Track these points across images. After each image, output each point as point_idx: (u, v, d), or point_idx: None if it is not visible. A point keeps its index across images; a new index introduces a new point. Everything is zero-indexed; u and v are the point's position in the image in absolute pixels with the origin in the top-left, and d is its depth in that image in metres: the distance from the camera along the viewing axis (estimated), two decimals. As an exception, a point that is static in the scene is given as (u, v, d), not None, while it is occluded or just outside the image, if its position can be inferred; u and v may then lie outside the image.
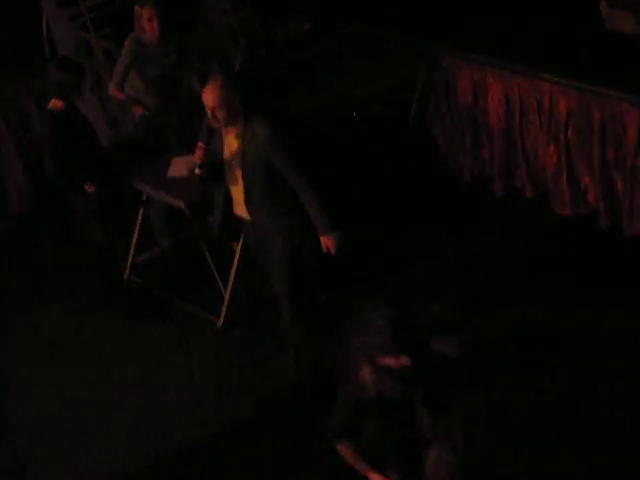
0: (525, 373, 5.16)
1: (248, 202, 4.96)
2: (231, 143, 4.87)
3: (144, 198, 6.24)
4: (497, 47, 6.16)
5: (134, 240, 6.39)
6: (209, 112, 4.72)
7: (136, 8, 6.19)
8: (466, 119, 6.52)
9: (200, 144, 4.86)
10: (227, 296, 5.94)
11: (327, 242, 4.96)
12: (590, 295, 5.59)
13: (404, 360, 3.57)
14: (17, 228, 7.18)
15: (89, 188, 5.64)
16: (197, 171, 4.89)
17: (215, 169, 4.96)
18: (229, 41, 6.91)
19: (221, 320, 5.97)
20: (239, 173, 4.88)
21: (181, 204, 5.83)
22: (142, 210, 6.34)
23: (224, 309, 5.96)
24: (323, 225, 4.92)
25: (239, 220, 5.18)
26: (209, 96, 4.70)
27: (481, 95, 6.33)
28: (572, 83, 5.79)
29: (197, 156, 4.88)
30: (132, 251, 6.41)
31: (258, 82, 6.88)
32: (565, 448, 4.71)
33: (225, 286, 5.94)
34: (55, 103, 5.57)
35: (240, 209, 5.07)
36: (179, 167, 6.02)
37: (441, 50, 6.44)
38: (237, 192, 4.99)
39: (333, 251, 4.97)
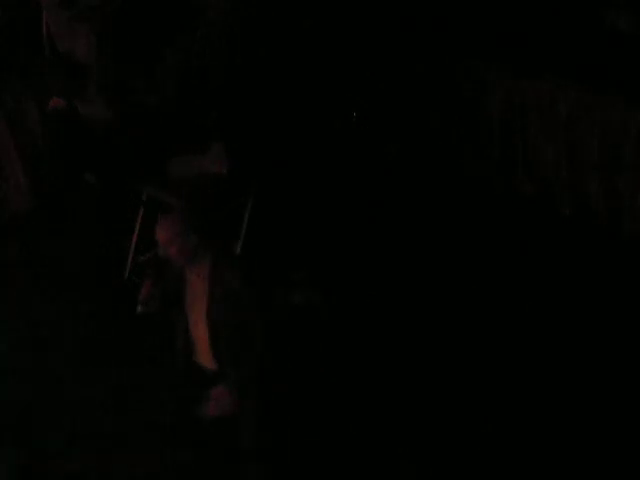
0: (524, 373, 5.18)
1: (215, 346, 4.40)
2: (196, 284, 4.32)
3: (144, 198, 6.25)
4: (497, 47, 6.17)
5: (134, 240, 6.39)
6: (161, 245, 4.16)
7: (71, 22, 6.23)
8: (467, 119, 6.53)
9: (147, 281, 4.28)
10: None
11: None
12: (589, 295, 5.59)
13: None
14: (17, 228, 7.17)
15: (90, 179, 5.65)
16: (139, 308, 4.32)
17: (163, 308, 4.40)
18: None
19: (221, 320, 5.96)
20: (204, 316, 4.32)
21: (181, 204, 5.84)
22: (142, 210, 6.34)
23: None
24: None
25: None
26: (159, 230, 4.16)
27: (481, 95, 6.34)
28: (572, 83, 5.80)
29: (143, 292, 4.27)
30: (132, 251, 6.42)
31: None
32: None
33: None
34: (56, 103, 5.57)
35: (203, 357, 4.49)
36: (179, 167, 6.03)
37: (441, 50, 6.45)
38: (200, 336, 4.43)
39: None
